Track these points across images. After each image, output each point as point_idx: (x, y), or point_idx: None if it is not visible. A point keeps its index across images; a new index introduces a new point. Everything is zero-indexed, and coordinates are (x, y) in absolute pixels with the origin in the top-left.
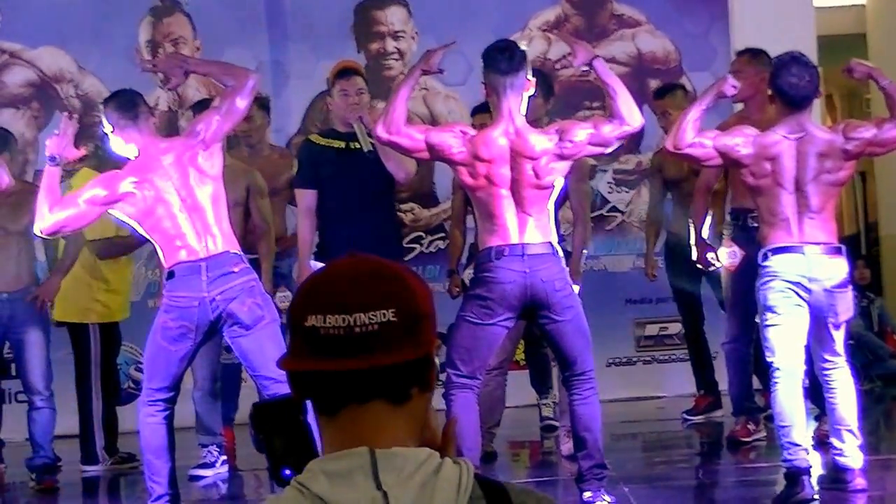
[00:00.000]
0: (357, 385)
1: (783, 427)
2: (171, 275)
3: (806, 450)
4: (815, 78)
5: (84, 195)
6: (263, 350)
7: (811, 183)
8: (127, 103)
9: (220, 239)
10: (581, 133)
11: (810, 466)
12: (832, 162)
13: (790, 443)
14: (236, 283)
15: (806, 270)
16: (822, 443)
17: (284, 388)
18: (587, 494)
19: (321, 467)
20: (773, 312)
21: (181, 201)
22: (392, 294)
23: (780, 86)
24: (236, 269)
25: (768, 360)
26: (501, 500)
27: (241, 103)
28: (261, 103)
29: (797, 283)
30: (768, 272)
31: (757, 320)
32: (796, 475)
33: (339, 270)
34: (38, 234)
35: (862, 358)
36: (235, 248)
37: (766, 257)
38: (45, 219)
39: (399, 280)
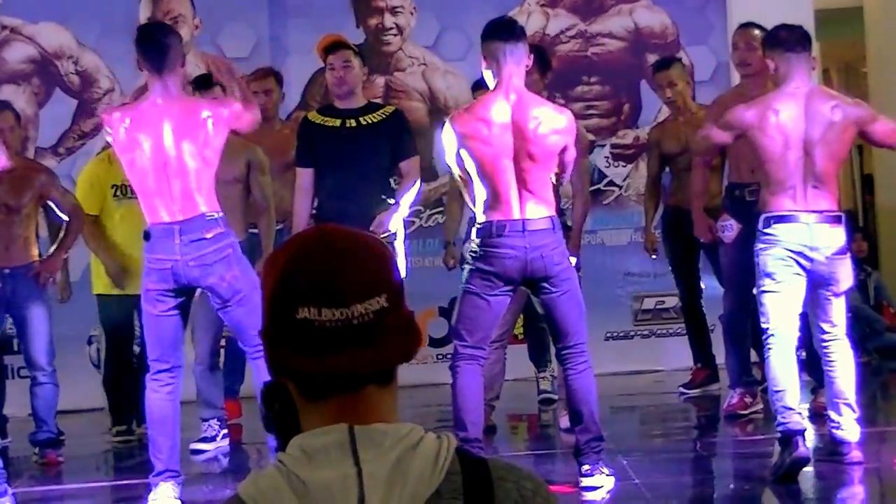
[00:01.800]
0: (351, 378)
1: (777, 392)
2: (146, 235)
3: (800, 413)
4: (804, 30)
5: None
6: (242, 322)
7: (819, 145)
8: (154, 51)
9: (201, 204)
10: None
11: (804, 429)
12: (837, 122)
13: (784, 407)
14: (209, 251)
15: (808, 239)
16: (818, 415)
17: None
18: (585, 467)
19: (300, 443)
20: (772, 279)
21: (166, 162)
22: (382, 276)
23: (776, 36)
24: (209, 236)
25: (762, 325)
26: (480, 475)
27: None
28: (277, 77)
29: (799, 252)
30: (770, 239)
31: (755, 290)
32: (790, 437)
33: (322, 250)
34: None
35: (859, 331)
36: (214, 211)
37: (768, 224)
38: None
39: (382, 257)
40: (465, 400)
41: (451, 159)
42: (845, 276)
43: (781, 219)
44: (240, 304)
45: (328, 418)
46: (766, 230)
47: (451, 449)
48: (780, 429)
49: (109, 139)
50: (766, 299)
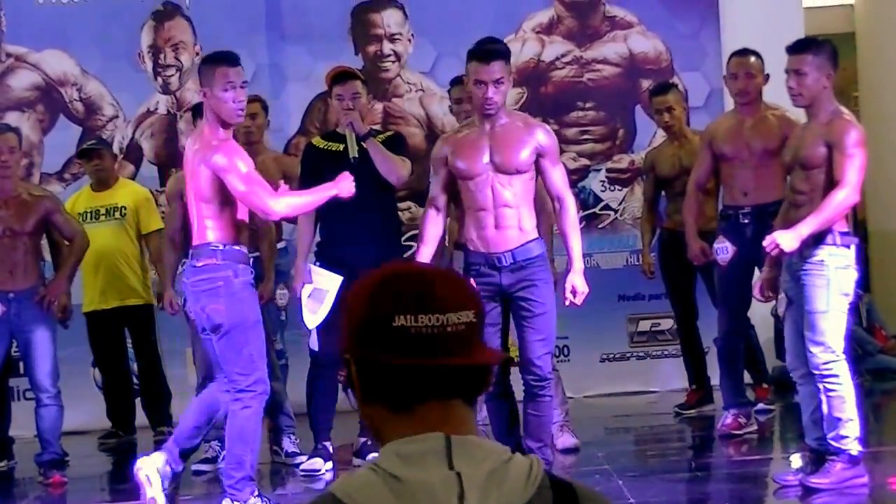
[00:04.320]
0: (445, 382)
1: (850, 421)
2: None
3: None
4: None
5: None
6: (218, 354)
7: None
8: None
9: (210, 233)
10: None
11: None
12: None
13: (857, 437)
14: (198, 279)
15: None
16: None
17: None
18: None
19: (395, 449)
20: (847, 299)
21: (188, 192)
22: (472, 295)
23: (834, 49)
24: (199, 264)
25: (830, 345)
26: (568, 493)
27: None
28: (263, 104)
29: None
30: (847, 258)
31: (748, 314)
32: (857, 460)
33: (412, 269)
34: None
35: (851, 352)
36: (221, 242)
37: (850, 243)
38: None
39: (466, 280)
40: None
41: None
42: None
43: (851, 236)
44: (219, 338)
45: (412, 427)
46: (849, 248)
47: (541, 466)
48: (840, 452)
49: None
50: (841, 320)
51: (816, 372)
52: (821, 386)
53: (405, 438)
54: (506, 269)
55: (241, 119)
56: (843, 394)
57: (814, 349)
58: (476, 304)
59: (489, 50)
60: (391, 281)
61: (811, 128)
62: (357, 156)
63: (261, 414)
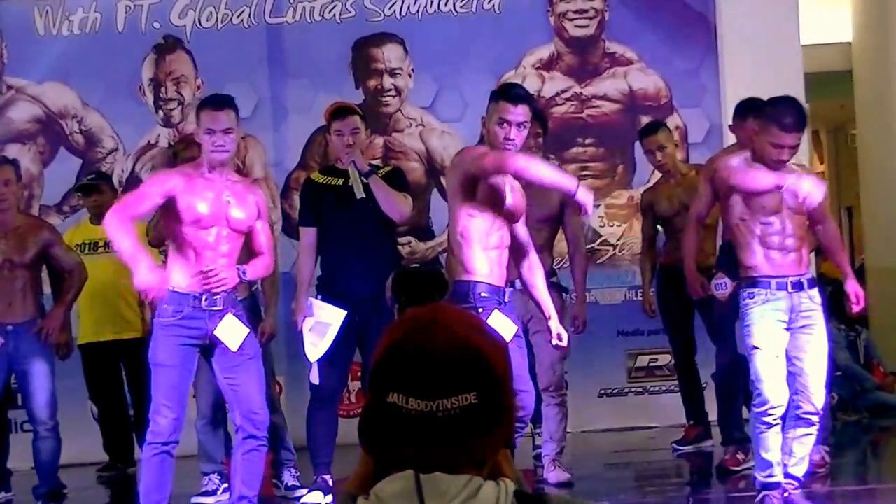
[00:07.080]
0: (432, 465)
1: None
2: None
3: None
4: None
5: None
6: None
7: None
8: None
9: None
10: None
11: None
12: None
13: None
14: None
15: None
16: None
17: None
18: None
19: (375, 490)
20: None
21: None
22: (475, 373)
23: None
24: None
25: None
26: None
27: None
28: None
29: None
30: None
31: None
32: None
33: (423, 339)
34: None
35: (849, 389)
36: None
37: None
38: None
39: (482, 351)
40: None
41: None
42: None
43: None
44: None
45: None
46: None
47: (509, 492)
48: None
49: None
50: None
51: (821, 412)
52: (815, 424)
53: (383, 480)
54: (515, 302)
55: (219, 160)
56: None
57: (822, 390)
58: (481, 385)
59: (518, 94)
60: (399, 346)
61: (795, 174)
62: (364, 194)
63: None
